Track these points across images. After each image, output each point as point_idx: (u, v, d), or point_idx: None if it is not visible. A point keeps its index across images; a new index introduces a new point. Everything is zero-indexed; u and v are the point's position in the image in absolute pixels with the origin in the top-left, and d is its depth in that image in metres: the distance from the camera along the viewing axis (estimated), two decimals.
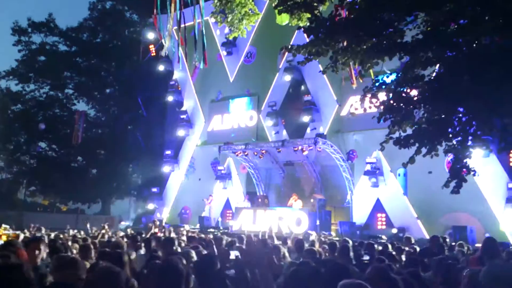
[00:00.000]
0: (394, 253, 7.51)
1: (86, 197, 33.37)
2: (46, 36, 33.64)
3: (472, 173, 7.82)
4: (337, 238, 14.78)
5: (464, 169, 7.59)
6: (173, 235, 11.28)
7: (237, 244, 8.01)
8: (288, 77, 20.72)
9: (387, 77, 8.01)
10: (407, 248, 8.70)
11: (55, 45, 33.88)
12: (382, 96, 7.48)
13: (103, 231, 12.12)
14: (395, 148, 7.55)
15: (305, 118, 19.86)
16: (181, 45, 15.16)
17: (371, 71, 8.20)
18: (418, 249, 8.94)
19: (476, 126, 7.30)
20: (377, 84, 7.33)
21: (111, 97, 34.31)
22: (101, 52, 33.23)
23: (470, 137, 7.38)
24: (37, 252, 5.03)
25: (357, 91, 16.49)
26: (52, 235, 11.36)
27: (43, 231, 13.69)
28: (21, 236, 8.21)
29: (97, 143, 33.21)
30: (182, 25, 13.75)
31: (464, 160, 7.50)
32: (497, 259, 5.68)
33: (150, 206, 24.79)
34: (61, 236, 11.69)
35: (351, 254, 6.58)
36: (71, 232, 13.68)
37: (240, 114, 22.93)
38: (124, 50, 32.74)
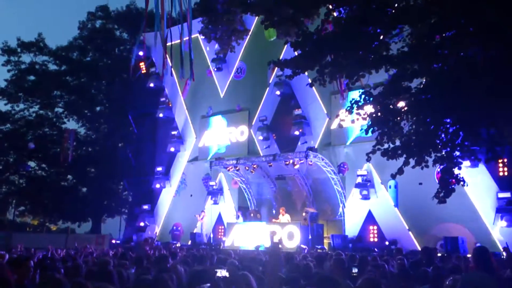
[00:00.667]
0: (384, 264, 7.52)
1: (76, 216, 32.97)
2: (36, 56, 33.60)
3: (461, 183, 7.92)
4: (328, 252, 14.76)
5: (453, 180, 7.68)
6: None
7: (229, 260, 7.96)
8: (278, 92, 20.86)
9: (374, 90, 8.11)
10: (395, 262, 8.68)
11: (44, 64, 33.81)
12: (370, 108, 7.58)
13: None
14: (385, 160, 7.62)
15: (296, 132, 19.94)
16: (170, 62, 15.30)
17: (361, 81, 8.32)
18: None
19: (463, 137, 7.41)
20: (363, 96, 7.43)
21: (102, 115, 34.18)
22: (91, 70, 33.20)
23: (457, 148, 7.48)
24: (24, 271, 4.98)
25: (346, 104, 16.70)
26: (41, 255, 11.22)
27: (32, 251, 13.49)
28: (6, 256, 8.10)
29: (87, 161, 32.97)
30: (169, 44, 13.87)
31: (453, 170, 7.58)
32: (490, 268, 5.71)
33: (141, 223, 24.57)
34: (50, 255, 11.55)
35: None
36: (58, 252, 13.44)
37: (222, 130, 22.99)
38: (114, 68, 32.77)
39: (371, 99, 7.45)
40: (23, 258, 6.48)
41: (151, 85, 25.57)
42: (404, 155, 7.16)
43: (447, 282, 3.66)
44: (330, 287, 3.99)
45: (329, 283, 4.04)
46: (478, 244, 13.99)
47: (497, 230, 14.87)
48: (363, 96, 7.46)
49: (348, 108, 7.71)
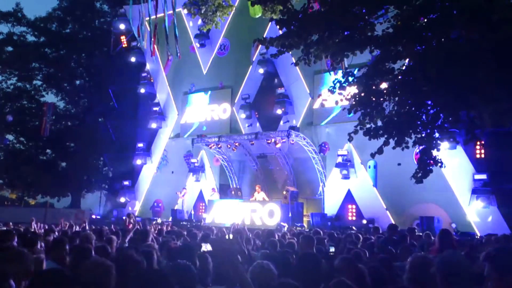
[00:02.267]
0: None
1: (55, 190, 32.63)
2: (14, 26, 32.55)
3: (439, 164, 8.07)
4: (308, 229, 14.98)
5: (431, 161, 7.82)
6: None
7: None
8: (261, 70, 20.76)
9: (358, 70, 8.15)
10: (373, 238, 8.88)
11: (22, 35, 32.83)
12: (353, 89, 7.62)
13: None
14: (366, 141, 7.71)
15: (278, 111, 19.97)
16: (153, 37, 15.02)
17: (343, 63, 8.35)
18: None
19: (444, 119, 7.52)
20: (346, 76, 7.45)
21: (81, 89, 33.55)
22: (70, 42, 32.37)
23: (437, 130, 7.60)
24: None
25: (329, 84, 16.72)
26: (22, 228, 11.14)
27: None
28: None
29: (66, 135, 32.48)
30: (153, 16, 13.59)
31: (432, 152, 7.71)
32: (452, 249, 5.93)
33: (122, 199, 24.52)
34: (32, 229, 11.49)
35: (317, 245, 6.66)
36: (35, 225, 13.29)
37: (203, 107, 22.87)
38: (95, 41, 32.03)
39: (355, 80, 7.48)
40: (4, 231, 6.47)
41: (132, 59, 25.17)
42: (385, 135, 7.24)
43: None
44: (311, 264, 4.07)
45: (310, 260, 4.12)
46: (453, 224, 14.39)
47: (472, 210, 15.27)
48: (346, 77, 7.49)
49: (331, 88, 7.74)
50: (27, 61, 32.08)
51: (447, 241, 6.20)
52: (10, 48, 32.51)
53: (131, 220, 12.37)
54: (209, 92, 23.08)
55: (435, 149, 7.72)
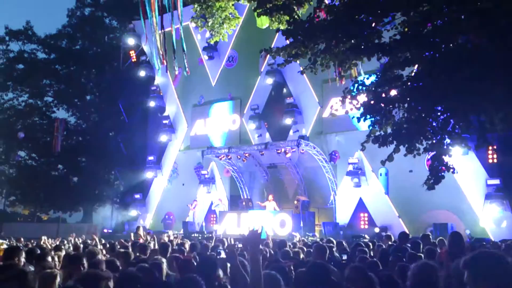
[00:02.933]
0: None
1: (67, 205, 32.90)
2: (24, 44, 33.23)
3: (451, 170, 7.99)
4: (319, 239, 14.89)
5: (443, 167, 7.75)
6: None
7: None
8: (270, 80, 20.82)
9: (367, 79, 8.14)
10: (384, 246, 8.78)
11: (33, 52, 33.45)
12: (362, 97, 7.60)
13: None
14: (376, 148, 7.67)
15: (288, 121, 19.96)
16: (161, 52, 15.15)
17: (353, 71, 8.36)
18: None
19: (454, 124, 7.46)
20: (356, 85, 7.45)
21: (92, 104, 33.94)
22: (80, 59, 32.88)
23: (448, 135, 7.55)
24: (16, 261, 4.98)
25: (338, 93, 16.69)
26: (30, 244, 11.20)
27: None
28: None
29: (78, 150, 32.81)
30: (160, 31, 13.73)
31: (443, 158, 7.65)
32: (464, 253, 5.84)
33: (133, 212, 24.58)
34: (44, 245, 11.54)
35: (329, 254, 6.63)
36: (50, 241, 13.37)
37: (223, 118, 22.93)
38: (104, 57, 32.48)
39: (364, 88, 7.47)
40: (12, 248, 6.47)
41: (142, 74, 25.39)
42: (395, 142, 7.21)
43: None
44: (321, 273, 4.04)
45: (319, 269, 4.10)
46: (467, 231, 14.22)
47: (486, 216, 15.07)
48: (356, 85, 7.48)
49: (342, 98, 7.72)
50: (38, 78, 32.61)
51: (458, 244, 6.11)
52: (21, 66, 33.09)
53: (140, 233, 12.38)
54: (230, 102, 23.02)
55: (447, 155, 7.66)
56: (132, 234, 12.99)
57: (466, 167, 14.78)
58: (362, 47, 7.06)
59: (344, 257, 7.02)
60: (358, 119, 7.48)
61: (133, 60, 26.76)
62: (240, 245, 8.03)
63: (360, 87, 7.52)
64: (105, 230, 24.34)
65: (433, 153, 7.75)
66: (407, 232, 15.53)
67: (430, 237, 10.44)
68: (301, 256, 7.38)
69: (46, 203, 33.90)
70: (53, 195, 31.76)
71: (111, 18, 34.58)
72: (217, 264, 4.68)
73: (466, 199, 15.53)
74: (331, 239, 9.65)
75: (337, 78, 14.80)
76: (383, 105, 7.34)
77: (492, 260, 2.45)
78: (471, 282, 2.46)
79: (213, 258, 5.27)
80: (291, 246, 8.99)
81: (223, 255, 5.41)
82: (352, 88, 7.63)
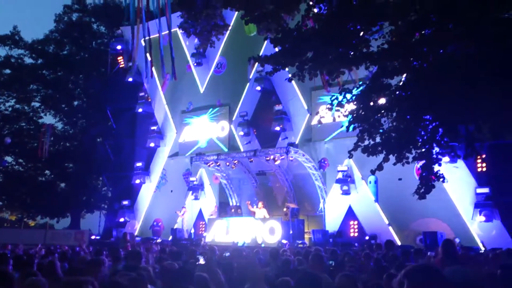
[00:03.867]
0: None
1: (54, 211, 32.43)
2: (11, 49, 32.79)
3: (441, 179, 7.96)
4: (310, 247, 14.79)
5: (433, 176, 7.71)
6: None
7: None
8: (258, 87, 20.75)
9: (356, 88, 8.08)
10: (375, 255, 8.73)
11: (20, 57, 33.02)
12: (351, 105, 7.54)
13: None
14: (366, 156, 7.62)
15: (277, 128, 19.88)
16: (149, 58, 15.01)
17: (339, 80, 8.29)
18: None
19: (443, 133, 7.43)
20: (344, 93, 7.38)
21: (79, 110, 33.57)
22: (68, 64, 32.54)
23: (437, 144, 7.51)
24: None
25: (327, 101, 16.69)
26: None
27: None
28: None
29: (65, 156, 32.41)
30: (147, 38, 13.59)
31: (433, 167, 7.61)
32: (457, 261, 5.77)
33: (121, 219, 24.29)
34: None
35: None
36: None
37: (211, 124, 22.79)
38: (92, 62, 32.17)
39: (353, 97, 7.41)
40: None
41: (130, 79, 25.18)
42: (384, 152, 7.15)
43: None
44: (311, 282, 3.97)
45: (310, 279, 4.02)
46: (457, 239, 14.20)
47: (475, 225, 15.09)
48: (343, 93, 7.41)
49: (329, 105, 7.66)
50: (25, 83, 32.24)
51: (451, 252, 6.04)
52: (8, 71, 32.68)
53: (128, 239, 12.22)
54: (209, 110, 22.96)
55: (436, 164, 7.63)
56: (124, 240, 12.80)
57: (456, 176, 14.79)
58: (350, 56, 7.00)
59: (331, 262, 6.98)
60: (347, 128, 7.42)
61: (121, 65, 26.54)
62: (227, 254, 8.00)
63: (348, 95, 7.46)
64: (93, 237, 24.02)
65: (422, 162, 7.71)
66: (395, 240, 15.56)
67: (422, 251, 10.41)
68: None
69: (33, 209, 33.42)
70: (40, 201, 31.31)
71: (99, 24, 34.30)
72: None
73: (456, 208, 15.53)
74: (319, 247, 9.57)
75: (325, 85, 14.79)
76: (371, 114, 7.29)
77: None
78: None
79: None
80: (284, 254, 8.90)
81: (201, 261, 5.54)
82: (340, 96, 7.57)
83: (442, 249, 6.21)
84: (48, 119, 33.72)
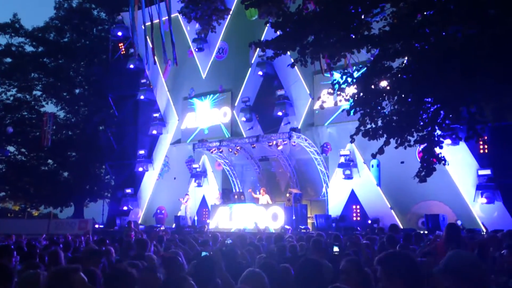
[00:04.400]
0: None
1: (58, 201, 32.61)
2: (12, 37, 32.70)
3: (442, 162, 7.96)
4: (313, 232, 14.87)
5: (434, 159, 7.71)
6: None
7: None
8: (260, 72, 20.66)
9: (357, 70, 8.05)
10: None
11: (21, 46, 32.94)
12: (352, 89, 7.52)
13: None
14: (368, 140, 7.61)
15: (279, 113, 19.85)
16: (151, 44, 14.95)
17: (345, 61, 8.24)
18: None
19: (444, 116, 7.41)
20: (345, 77, 7.35)
21: (81, 98, 33.54)
22: (69, 51, 32.44)
23: (439, 127, 7.49)
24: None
25: (329, 84, 16.61)
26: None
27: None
28: None
29: (67, 145, 32.49)
30: (149, 23, 13.51)
31: (434, 150, 7.61)
32: (461, 245, 5.82)
33: (125, 207, 24.42)
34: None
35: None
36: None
37: (208, 111, 22.75)
38: (93, 49, 32.08)
39: (354, 80, 7.38)
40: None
41: (131, 66, 25.10)
42: (385, 135, 7.14)
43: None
44: (312, 269, 3.99)
45: (311, 266, 4.04)
46: (459, 221, 14.26)
47: (477, 207, 15.11)
48: (344, 77, 7.38)
49: (330, 89, 7.63)
50: (26, 71, 32.17)
51: (455, 236, 6.08)
52: (8, 59, 32.61)
53: (132, 227, 12.29)
54: (211, 96, 22.92)
55: (438, 147, 7.62)
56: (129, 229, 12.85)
57: (457, 158, 14.79)
58: (352, 39, 6.95)
59: (336, 248, 6.99)
60: (348, 112, 7.40)
61: (122, 52, 26.45)
62: (229, 241, 8.04)
63: (349, 79, 7.43)
64: (97, 225, 24.17)
65: (424, 145, 7.70)
66: (398, 223, 15.62)
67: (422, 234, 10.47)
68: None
69: (36, 198, 33.61)
70: (43, 190, 31.50)
71: (99, 10, 34.07)
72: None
73: (458, 190, 15.54)
74: (320, 232, 9.62)
75: (326, 69, 14.71)
76: (372, 97, 7.26)
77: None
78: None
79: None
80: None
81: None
82: (341, 80, 7.54)
83: (445, 233, 6.25)
84: (49, 107, 33.76)
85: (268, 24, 8.12)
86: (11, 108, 32.45)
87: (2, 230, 18.82)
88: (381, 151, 7.15)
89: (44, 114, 28.84)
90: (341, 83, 7.41)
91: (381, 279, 2.77)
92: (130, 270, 3.63)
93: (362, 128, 7.26)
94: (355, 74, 7.56)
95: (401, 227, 15.09)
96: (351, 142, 7.51)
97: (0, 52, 32.35)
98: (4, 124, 30.58)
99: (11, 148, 32.14)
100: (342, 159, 17.77)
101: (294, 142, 17.68)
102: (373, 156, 7.36)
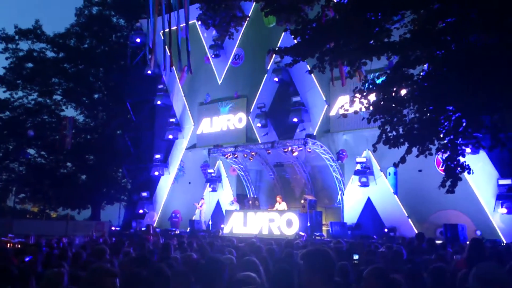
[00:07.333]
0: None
1: (75, 203, 33.06)
2: (33, 43, 33.32)
3: (466, 171, 7.82)
4: (328, 239, 14.78)
5: (458, 168, 7.59)
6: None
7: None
8: (276, 78, 20.68)
9: (375, 78, 8.00)
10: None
11: (42, 51, 33.54)
12: (372, 96, 7.46)
13: None
14: (384, 147, 7.54)
15: (294, 119, 19.81)
16: (168, 52, 15.07)
17: (359, 72, 8.20)
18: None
19: (466, 124, 7.30)
20: (366, 84, 7.30)
21: (100, 102, 34.03)
22: (88, 57, 32.98)
23: (460, 136, 7.38)
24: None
25: (345, 91, 16.51)
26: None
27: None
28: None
29: (86, 148, 32.94)
30: (167, 30, 13.61)
31: (458, 158, 7.49)
32: (484, 261, 5.65)
33: (140, 210, 24.59)
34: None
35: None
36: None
37: (229, 116, 22.84)
38: (112, 55, 32.55)
39: (374, 87, 7.32)
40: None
41: (149, 72, 25.35)
42: (407, 143, 7.06)
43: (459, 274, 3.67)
44: (320, 259, 3.90)
45: (318, 255, 3.94)
46: (478, 232, 14.01)
47: (497, 217, 14.86)
48: (366, 84, 7.33)
49: (352, 97, 7.57)
50: (47, 76, 32.77)
51: (478, 252, 5.87)
52: (30, 65, 33.23)
53: (151, 231, 12.37)
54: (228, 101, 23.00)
55: (461, 155, 7.50)
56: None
57: (477, 167, 14.56)
58: (371, 46, 6.92)
59: (356, 256, 6.90)
60: (368, 120, 7.34)
61: (140, 58, 26.76)
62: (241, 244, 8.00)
63: (370, 86, 7.38)
64: (113, 228, 24.39)
65: (446, 155, 7.59)
66: (415, 232, 15.42)
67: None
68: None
69: (54, 200, 34.09)
70: (61, 192, 31.91)
71: (119, 17, 34.60)
72: None
73: (477, 199, 15.30)
74: (340, 240, 9.54)
75: (347, 76, 14.63)
76: (393, 104, 7.20)
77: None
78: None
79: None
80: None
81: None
82: (363, 87, 7.49)
83: (468, 248, 6.06)
84: (69, 112, 34.30)
85: (285, 31, 8.12)
86: (32, 112, 33.04)
87: (21, 230, 19.10)
88: (403, 160, 7.07)
89: (64, 118, 29.31)
90: (363, 90, 7.34)
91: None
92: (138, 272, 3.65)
93: (383, 136, 7.18)
94: (377, 81, 7.52)
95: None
96: (373, 151, 7.44)
97: (22, 58, 33.01)
98: (25, 127, 31.10)
99: (31, 151, 32.68)
100: (358, 166, 17.65)
101: (310, 148, 17.61)
102: (396, 165, 7.28)
